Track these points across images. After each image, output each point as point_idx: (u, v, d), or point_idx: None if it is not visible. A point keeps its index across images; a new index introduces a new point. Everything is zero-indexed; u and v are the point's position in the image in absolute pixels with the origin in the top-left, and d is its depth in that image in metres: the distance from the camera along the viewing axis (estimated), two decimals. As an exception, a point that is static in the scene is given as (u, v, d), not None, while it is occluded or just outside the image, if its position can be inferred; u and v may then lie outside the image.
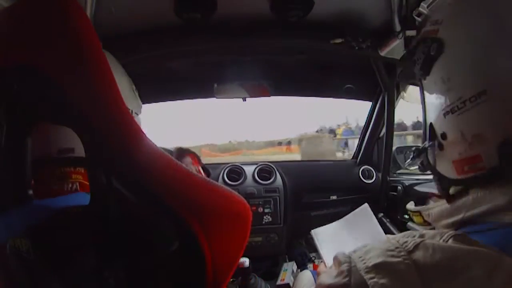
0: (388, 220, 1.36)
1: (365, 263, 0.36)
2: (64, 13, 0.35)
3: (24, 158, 0.43)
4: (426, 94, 0.44)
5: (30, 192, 0.43)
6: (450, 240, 0.34)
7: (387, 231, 1.32)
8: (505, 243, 0.33)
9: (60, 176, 0.48)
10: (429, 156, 0.45)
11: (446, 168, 0.42)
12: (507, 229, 0.34)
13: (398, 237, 0.37)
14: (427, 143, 0.44)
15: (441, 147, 0.42)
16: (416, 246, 0.34)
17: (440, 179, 0.44)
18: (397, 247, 0.35)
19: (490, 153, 0.36)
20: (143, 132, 0.37)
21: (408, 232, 0.38)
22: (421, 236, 0.36)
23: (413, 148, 0.48)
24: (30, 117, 0.42)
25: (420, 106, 0.47)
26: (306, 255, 1.36)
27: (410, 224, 1.21)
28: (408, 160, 0.50)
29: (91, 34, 0.35)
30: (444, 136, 0.41)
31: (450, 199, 0.42)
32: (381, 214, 1.39)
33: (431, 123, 0.44)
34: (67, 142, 0.48)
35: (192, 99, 1.54)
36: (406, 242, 0.36)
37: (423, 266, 0.32)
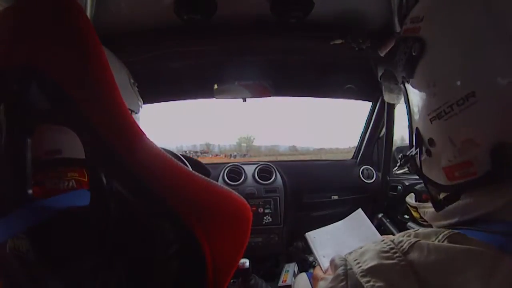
0: (388, 220, 1.36)
1: (360, 266, 0.35)
2: (64, 14, 0.35)
3: (25, 159, 0.43)
4: (411, 97, 0.42)
5: (30, 191, 0.43)
6: (446, 241, 0.33)
7: (387, 231, 1.32)
8: (505, 241, 0.31)
9: (55, 175, 0.48)
10: (417, 162, 0.43)
11: (437, 174, 0.40)
12: (507, 228, 0.33)
13: (394, 237, 0.37)
14: (413, 151, 0.42)
15: (429, 153, 0.40)
16: (411, 247, 0.33)
17: (431, 185, 0.42)
18: (391, 248, 0.35)
19: (481, 158, 0.34)
20: (143, 132, 0.37)
21: (404, 232, 0.38)
22: (416, 235, 0.35)
23: (400, 156, 0.46)
24: (30, 118, 0.42)
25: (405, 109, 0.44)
26: (306, 261, 1.36)
27: (410, 224, 1.20)
28: (395, 168, 0.48)
29: (91, 34, 0.35)
30: (431, 142, 0.39)
31: (437, 205, 0.40)
32: (381, 214, 1.39)
33: (417, 129, 0.41)
34: (53, 144, 0.48)
35: (192, 99, 1.55)
36: (401, 242, 0.35)
37: (419, 267, 0.32)
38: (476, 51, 0.34)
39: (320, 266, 0.68)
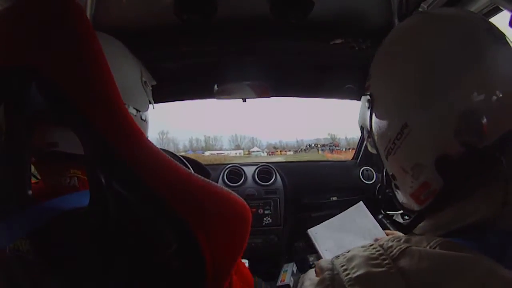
0: (388, 221, 1.36)
1: (348, 274, 0.34)
2: (63, 13, 0.35)
3: (24, 159, 0.43)
4: (375, 143, 0.47)
5: (30, 192, 0.43)
6: (438, 247, 0.32)
7: (387, 232, 1.32)
8: (498, 250, 0.31)
9: (57, 170, 0.48)
10: (394, 196, 0.48)
11: (409, 203, 0.43)
12: (499, 237, 0.32)
13: (383, 241, 0.36)
14: (385, 187, 0.49)
15: (396, 186, 0.45)
16: (402, 253, 0.32)
17: (410, 213, 0.45)
18: (381, 254, 0.34)
19: (432, 176, 0.37)
20: (142, 132, 0.37)
21: (394, 236, 0.37)
22: (407, 241, 0.34)
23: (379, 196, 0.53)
24: (30, 118, 0.42)
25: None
26: (306, 260, 1.36)
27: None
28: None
29: (90, 34, 0.35)
30: (393, 177, 0.44)
31: (405, 229, 0.44)
32: (381, 215, 1.39)
33: (385, 168, 0.47)
34: (49, 137, 0.48)
35: (192, 99, 1.54)
36: (391, 247, 0.34)
37: (410, 274, 0.31)
38: (402, 96, 0.39)
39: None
